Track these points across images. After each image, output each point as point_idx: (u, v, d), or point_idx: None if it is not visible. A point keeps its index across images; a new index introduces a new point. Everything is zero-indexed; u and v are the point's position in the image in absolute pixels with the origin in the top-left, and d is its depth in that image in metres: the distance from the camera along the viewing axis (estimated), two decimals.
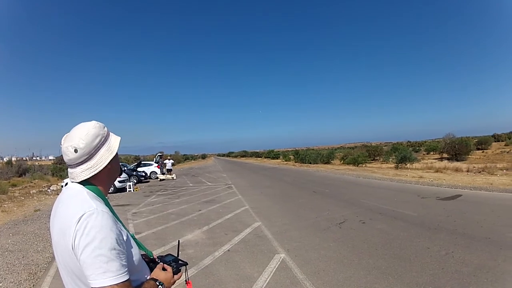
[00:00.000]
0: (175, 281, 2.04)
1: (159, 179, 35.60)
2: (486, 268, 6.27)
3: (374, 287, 5.80)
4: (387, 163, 44.77)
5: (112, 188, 23.24)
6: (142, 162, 39.87)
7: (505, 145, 71.18)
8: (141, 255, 2.02)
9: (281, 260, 7.37)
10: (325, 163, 52.13)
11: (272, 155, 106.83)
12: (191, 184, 28.05)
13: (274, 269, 6.80)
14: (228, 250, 8.26)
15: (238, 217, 12.40)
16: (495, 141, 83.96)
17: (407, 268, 6.53)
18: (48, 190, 25.85)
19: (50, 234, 1.82)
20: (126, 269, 1.61)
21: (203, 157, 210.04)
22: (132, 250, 1.78)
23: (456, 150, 45.96)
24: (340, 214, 11.89)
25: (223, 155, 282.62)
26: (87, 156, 1.77)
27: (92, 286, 1.53)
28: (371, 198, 15.29)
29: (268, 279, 6.31)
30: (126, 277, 1.59)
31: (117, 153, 1.94)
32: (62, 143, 1.80)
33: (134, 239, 1.95)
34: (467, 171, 25.63)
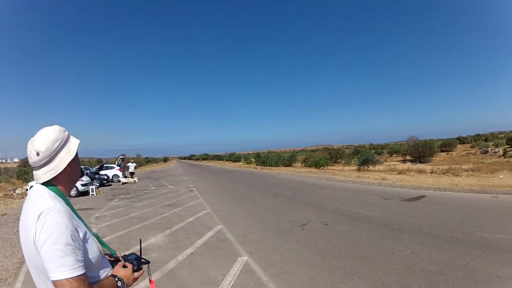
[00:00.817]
0: (135, 278, 2.14)
1: (121, 183, 35.18)
2: (454, 266, 6.29)
3: (339, 287, 5.74)
4: (349, 165, 45.49)
5: (75, 192, 23.40)
6: (104, 165, 39.51)
7: (470, 147, 73.23)
8: (106, 254, 2.18)
9: (244, 262, 7.24)
10: (287, 166, 52.58)
11: (233, 158, 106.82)
12: (153, 188, 27.82)
13: (238, 272, 6.68)
14: (191, 254, 8.12)
15: (200, 220, 12.23)
16: (461, 144, 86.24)
17: (372, 268, 6.50)
18: (14, 193, 25.19)
19: (17, 238, 1.86)
20: (82, 264, 1.71)
21: (165, 160, 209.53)
22: (87, 246, 1.85)
23: (419, 152, 46.96)
24: (302, 216, 11.86)
25: (185, 158, 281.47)
26: (48, 158, 1.89)
27: (52, 279, 1.64)
28: (333, 200, 15.38)
29: (232, 282, 6.19)
30: (81, 271, 1.68)
31: (77, 155, 2.05)
32: (28, 146, 1.92)
33: (98, 238, 2.06)
34: (431, 172, 26.21)
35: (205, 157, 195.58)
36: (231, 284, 6.08)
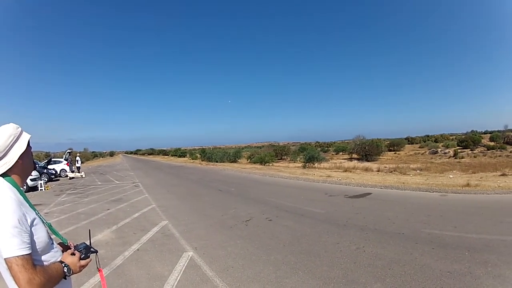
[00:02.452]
0: (82, 266, 2.31)
1: (68, 177, 34.28)
2: (402, 261, 6.43)
3: (284, 282, 5.80)
4: (294, 162, 46.39)
5: (25, 187, 22.23)
6: (52, 160, 38.34)
7: (419, 147, 75.96)
8: (58, 243, 2.40)
9: (190, 258, 7.26)
10: (232, 162, 53.13)
11: (179, 153, 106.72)
12: (99, 183, 27.54)
13: (184, 267, 6.69)
14: (138, 250, 8.07)
15: (146, 216, 12.18)
16: (409, 144, 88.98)
17: (317, 263, 6.64)
18: None
19: None
20: (28, 245, 1.90)
21: (111, 154, 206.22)
22: (34, 230, 2.02)
23: (366, 151, 48.21)
24: (246, 212, 12.03)
25: (131, 153, 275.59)
26: (3, 153, 2.13)
27: (3, 257, 1.84)
28: (278, 196, 15.65)
29: (179, 277, 6.20)
30: (26, 252, 1.87)
31: (28, 149, 2.28)
32: None
33: (51, 227, 2.30)
34: (378, 170, 26.97)
35: (151, 152, 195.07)
36: (177, 280, 6.08)
